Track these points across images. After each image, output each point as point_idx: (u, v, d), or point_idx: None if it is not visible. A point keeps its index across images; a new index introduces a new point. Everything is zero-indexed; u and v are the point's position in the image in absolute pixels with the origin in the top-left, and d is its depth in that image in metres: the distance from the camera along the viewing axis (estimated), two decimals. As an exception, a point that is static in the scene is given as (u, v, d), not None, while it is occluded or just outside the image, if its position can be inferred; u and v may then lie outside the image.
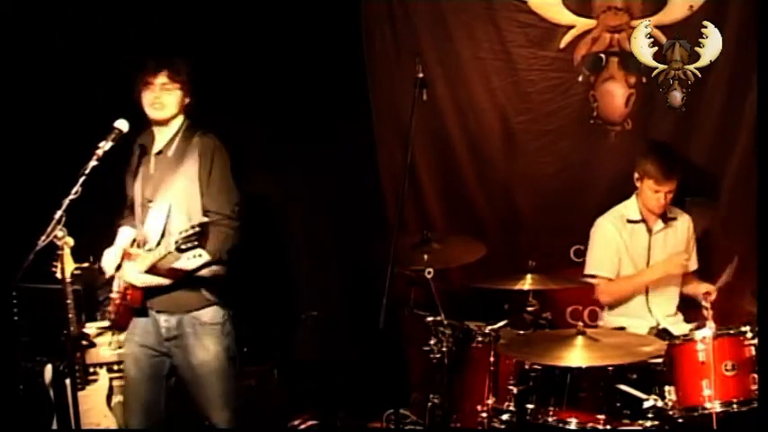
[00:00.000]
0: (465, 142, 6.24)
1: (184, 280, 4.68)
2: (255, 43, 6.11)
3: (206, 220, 4.48)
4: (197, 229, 4.40)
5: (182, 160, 4.76)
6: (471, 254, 5.62)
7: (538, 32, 6.03)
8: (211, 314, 4.78)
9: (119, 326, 4.96)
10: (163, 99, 4.77)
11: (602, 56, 6.02)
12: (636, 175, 5.58)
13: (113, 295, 4.88)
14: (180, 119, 4.86)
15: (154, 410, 4.87)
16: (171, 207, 4.70)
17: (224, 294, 4.80)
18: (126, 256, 4.78)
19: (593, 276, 5.69)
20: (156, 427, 4.87)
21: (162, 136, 4.85)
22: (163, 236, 4.70)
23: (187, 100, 4.85)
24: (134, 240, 4.86)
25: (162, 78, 4.77)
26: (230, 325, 4.83)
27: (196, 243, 4.41)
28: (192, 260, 4.55)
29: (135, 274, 4.69)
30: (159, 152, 4.84)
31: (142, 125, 4.89)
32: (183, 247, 4.43)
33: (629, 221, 5.64)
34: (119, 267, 4.83)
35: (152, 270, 4.66)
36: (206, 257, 4.58)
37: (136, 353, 4.83)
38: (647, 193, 5.55)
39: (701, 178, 5.95)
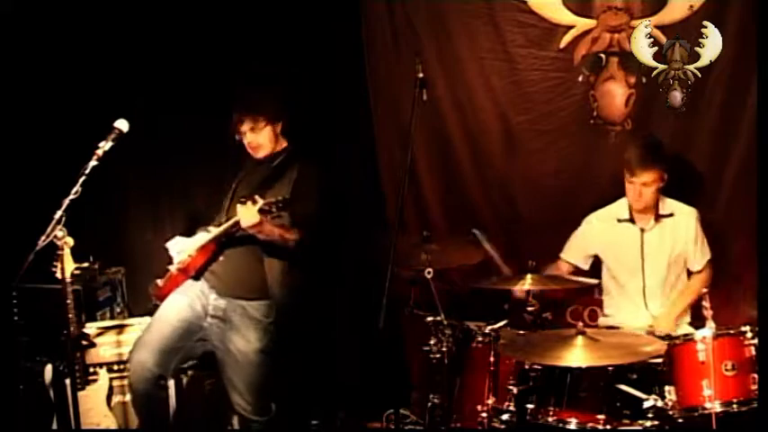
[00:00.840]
0: (465, 142, 6.24)
1: (246, 263, 4.98)
2: (256, 43, 6.11)
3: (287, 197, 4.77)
4: (284, 197, 4.71)
5: (282, 170, 5.09)
6: (470, 258, 5.64)
7: (538, 32, 6.02)
8: (261, 309, 4.99)
9: (161, 297, 5.12)
10: (256, 141, 5.13)
11: (603, 56, 6.01)
12: (624, 170, 5.59)
13: (171, 268, 5.08)
14: (282, 140, 5.23)
15: (164, 356, 4.99)
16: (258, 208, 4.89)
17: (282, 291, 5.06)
18: (249, 200, 4.91)
19: (559, 259, 5.79)
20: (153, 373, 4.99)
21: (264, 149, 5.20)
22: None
23: (279, 128, 5.18)
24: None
25: (248, 125, 5.10)
26: (274, 325, 5.04)
27: (279, 211, 4.70)
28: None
29: (252, 215, 4.76)
30: (261, 161, 5.16)
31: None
32: (265, 208, 4.68)
33: (619, 220, 5.65)
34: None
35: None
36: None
37: (180, 304, 5.02)
38: (626, 185, 5.55)
39: (702, 178, 5.95)
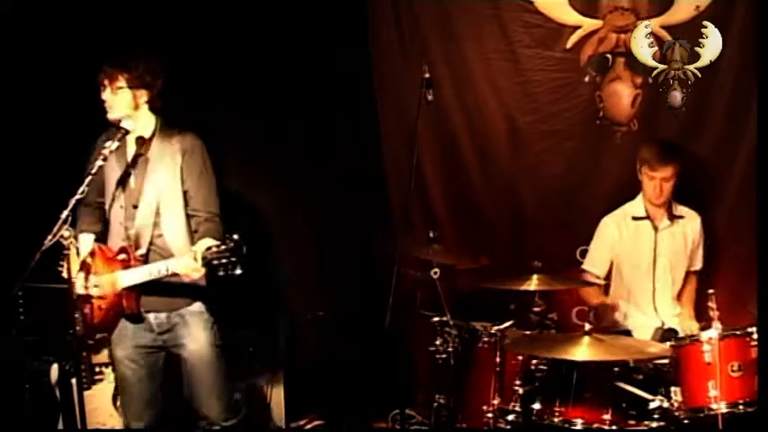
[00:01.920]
0: (471, 142, 6.24)
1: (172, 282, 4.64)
2: (264, 44, 6.11)
3: (236, 237, 4.35)
4: (230, 245, 4.33)
5: (163, 160, 4.73)
6: (476, 260, 5.64)
7: (544, 33, 6.03)
8: (198, 306, 4.79)
9: (104, 328, 4.86)
10: (111, 101, 4.72)
11: (609, 56, 6.01)
12: (638, 166, 5.59)
13: (95, 300, 4.75)
14: (150, 120, 4.79)
15: (153, 407, 4.88)
16: (159, 209, 4.69)
17: (210, 293, 4.80)
18: (117, 264, 4.70)
19: (584, 271, 5.77)
20: (156, 423, 4.89)
21: (135, 138, 4.78)
22: (151, 241, 4.69)
23: (144, 98, 4.75)
24: (120, 248, 4.76)
25: (106, 80, 4.72)
26: (213, 315, 4.81)
27: (232, 259, 4.32)
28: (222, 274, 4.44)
29: (195, 270, 4.49)
30: (138, 155, 4.77)
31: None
32: (216, 263, 4.35)
33: (634, 218, 5.66)
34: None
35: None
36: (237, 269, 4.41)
37: (130, 354, 4.82)
38: (645, 182, 5.58)
39: (708, 179, 5.95)
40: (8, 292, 4.83)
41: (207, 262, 4.37)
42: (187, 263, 4.47)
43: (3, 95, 5.82)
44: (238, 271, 4.37)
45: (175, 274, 4.56)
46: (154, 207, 4.70)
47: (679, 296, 5.74)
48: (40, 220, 4.63)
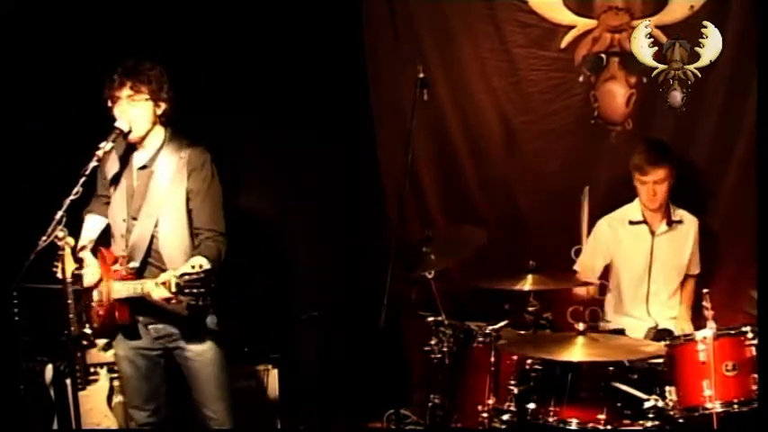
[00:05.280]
0: (466, 142, 6.24)
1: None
2: (258, 44, 6.11)
3: (209, 267, 4.32)
4: (201, 274, 4.27)
5: (169, 175, 4.63)
6: (472, 242, 5.60)
7: (539, 32, 6.03)
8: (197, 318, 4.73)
9: (104, 335, 4.89)
10: (130, 115, 4.58)
11: (603, 56, 6.02)
12: (632, 174, 5.59)
13: (95, 305, 4.75)
14: (160, 131, 4.71)
15: (154, 401, 4.85)
16: (158, 224, 4.62)
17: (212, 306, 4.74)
18: (112, 274, 4.67)
19: (577, 272, 5.78)
20: (157, 415, 4.87)
21: (144, 149, 4.71)
22: (148, 254, 4.64)
23: (160, 110, 4.66)
24: (116, 258, 4.73)
25: (126, 91, 4.57)
26: (215, 318, 4.75)
27: (201, 289, 4.27)
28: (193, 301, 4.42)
29: (123, 293, 4.55)
30: (143, 167, 4.70)
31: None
32: (187, 291, 4.30)
33: (631, 222, 5.66)
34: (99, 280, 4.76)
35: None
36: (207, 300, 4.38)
37: (129, 355, 4.80)
38: (638, 187, 5.58)
39: (703, 178, 5.95)
40: (3, 293, 4.83)
41: (179, 289, 4.31)
42: (160, 288, 4.40)
43: (2, 95, 5.82)
44: (206, 301, 4.34)
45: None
46: (153, 220, 4.62)
47: (676, 299, 5.73)
48: (34, 221, 4.64)
